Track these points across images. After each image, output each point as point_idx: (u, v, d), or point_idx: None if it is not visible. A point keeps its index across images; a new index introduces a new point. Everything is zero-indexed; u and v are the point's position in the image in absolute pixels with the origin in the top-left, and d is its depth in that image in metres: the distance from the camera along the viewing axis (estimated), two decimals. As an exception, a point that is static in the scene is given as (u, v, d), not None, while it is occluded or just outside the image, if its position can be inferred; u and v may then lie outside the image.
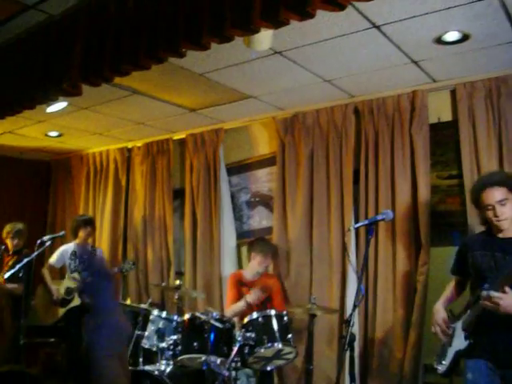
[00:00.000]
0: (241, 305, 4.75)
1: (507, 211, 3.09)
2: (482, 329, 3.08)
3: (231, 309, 4.83)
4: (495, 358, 3.03)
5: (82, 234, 6.11)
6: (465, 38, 3.75)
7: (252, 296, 4.73)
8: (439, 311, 3.43)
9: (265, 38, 3.07)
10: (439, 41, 3.81)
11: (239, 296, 4.92)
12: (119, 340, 1.65)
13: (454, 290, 3.56)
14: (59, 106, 4.78)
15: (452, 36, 3.73)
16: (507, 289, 2.86)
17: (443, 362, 3.27)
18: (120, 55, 3.12)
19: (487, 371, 3.05)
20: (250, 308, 4.69)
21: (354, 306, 3.16)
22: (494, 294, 2.88)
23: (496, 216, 3.10)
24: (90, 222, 6.21)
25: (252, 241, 5.18)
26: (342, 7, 2.42)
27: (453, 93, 4.61)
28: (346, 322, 3.16)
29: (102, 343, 1.65)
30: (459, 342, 3.19)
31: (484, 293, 2.93)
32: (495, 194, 3.09)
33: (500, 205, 3.08)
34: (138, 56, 3.06)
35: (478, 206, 3.23)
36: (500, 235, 3.17)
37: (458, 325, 3.24)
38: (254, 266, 4.93)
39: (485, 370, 3.06)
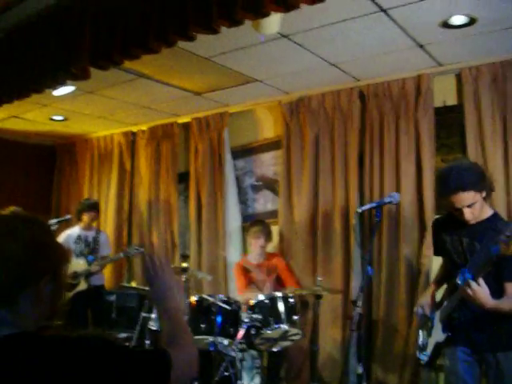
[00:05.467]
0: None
1: (475, 211, 2.97)
2: (457, 320, 3.05)
3: (246, 296, 4.87)
4: (470, 343, 3.02)
5: (85, 218, 6.12)
6: (471, 21, 3.74)
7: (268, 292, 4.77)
8: (426, 296, 3.38)
9: (274, 21, 3.06)
10: (445, 24, 3.80)
11: (249, 281, 5.04)
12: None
13: (443, 269, 3.51)
14: (66, 89, 4.78)
15: (458, 20, 3.72)
16: (480, 281, 2.75)
17: (425, 353, 3.25)
18: (130, 39, 3.11)
19: (464, 357, 3.05)
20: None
21: (362, 288, 3.18)
22: (471, 282, 2.75)
23: (463, 218, 2.97)
24: (94, 206, 6.22)
25: (247, 226, 5.26)
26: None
27: (458, 77, 4.62)
28: (353, 303, 3.19)
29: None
30: (438, 334, 3.17)
31: (461, 279, 2.83)
32: (464, 200, 2.92)
33: (468, 207, 2.94)
34: (147, 39, 3.06)
35: (444, 201, 3.08)
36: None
37: (437, 315, 3.22)
38: (252, 250, 5.07)
39: (461, 357, 3.05)
